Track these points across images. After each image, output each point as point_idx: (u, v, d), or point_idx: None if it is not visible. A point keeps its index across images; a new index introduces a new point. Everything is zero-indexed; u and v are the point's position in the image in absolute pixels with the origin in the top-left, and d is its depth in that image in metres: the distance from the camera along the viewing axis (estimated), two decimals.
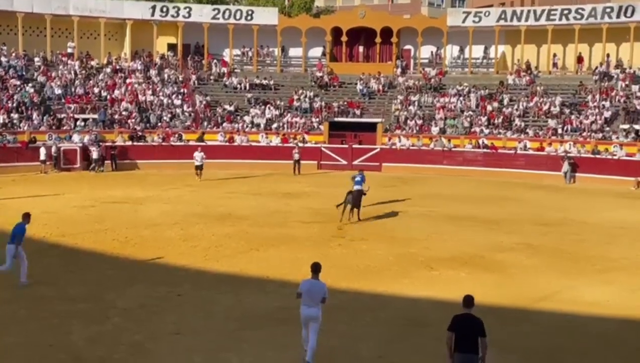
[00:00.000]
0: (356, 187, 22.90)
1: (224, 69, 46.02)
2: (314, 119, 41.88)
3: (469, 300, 9.32)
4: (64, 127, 38.09)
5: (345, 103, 42.84)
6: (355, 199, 22.66)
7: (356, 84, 45.06)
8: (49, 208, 24.04)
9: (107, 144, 37.31)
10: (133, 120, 39.90)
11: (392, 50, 47.23)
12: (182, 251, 18.39)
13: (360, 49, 48.54)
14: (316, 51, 47.83)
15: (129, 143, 38.16)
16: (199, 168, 33.23)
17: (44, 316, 12.79)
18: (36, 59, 42.40)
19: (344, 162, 38.78)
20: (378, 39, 46.60)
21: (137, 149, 38.10)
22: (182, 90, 43.33)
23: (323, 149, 39.63)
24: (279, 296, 14.29)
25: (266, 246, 19.11)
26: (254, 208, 25.45)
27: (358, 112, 42.49)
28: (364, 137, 41.11)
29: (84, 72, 42.82)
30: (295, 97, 43.54)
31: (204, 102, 42.52)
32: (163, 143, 38.55)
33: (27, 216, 14.99)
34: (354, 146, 40.06)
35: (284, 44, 47.17)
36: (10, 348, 11.21)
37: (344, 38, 46.96)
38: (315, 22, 49.51)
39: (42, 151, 35.23)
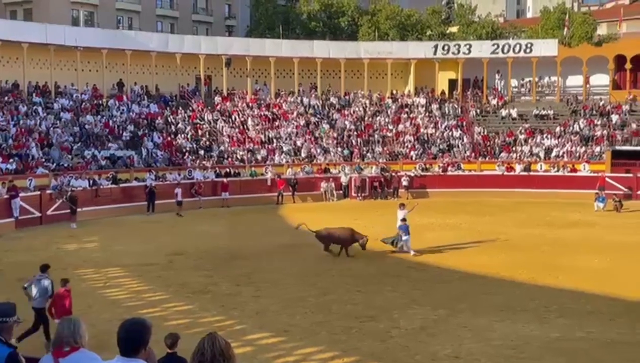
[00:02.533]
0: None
1: (502, 101, 45.46)
2: (595, 148, 39.55)
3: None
4: (355, 159, 40.22)
5: (630, 131, 39.84)
6: None
7: None
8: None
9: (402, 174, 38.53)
10: (415, 152, 40.94)
11: None
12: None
13: None
14: (596, 79, 45.26)
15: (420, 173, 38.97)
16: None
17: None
18: (332, 98, 45.49)
19: (629, 191, 35.97)
20: None
21: (425, 179, 38.85)
22: (461, 122, 43.58)
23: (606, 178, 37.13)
24: (559, 326, 13.72)
25: None
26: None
27: None
28: None
29: (371, 108, 45.01)
30: (575, 126, 41.52)
31: (482, 133, 42.34)
32: (442, 173, 38.97)
33: None
34: (639, 175, 36.98)
35: (563, 74, 45.35)
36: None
37: (627, 65, 43.86)
38: (597, 50, 46.89)
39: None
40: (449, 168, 39.21)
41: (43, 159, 32.73)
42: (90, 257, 21.69)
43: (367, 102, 45.49)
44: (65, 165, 32.97)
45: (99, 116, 38.36)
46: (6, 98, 36.42)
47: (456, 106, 45.26)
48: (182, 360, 8.10)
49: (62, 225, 28.19)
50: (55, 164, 32.72)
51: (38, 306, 12.93)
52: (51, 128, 35.55)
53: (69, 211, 28.93)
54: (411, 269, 19.53)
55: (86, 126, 36.97)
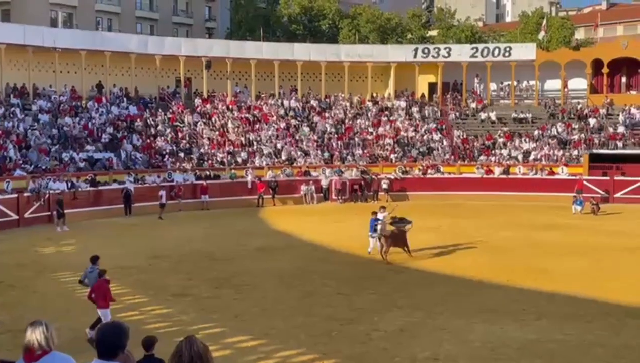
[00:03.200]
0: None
1: (481, 105, 45.77)
2: (573, 151, 39.92)
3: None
4: (336, 162, 40.26)
5: (607, 135, 40.29)
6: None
7: (618, 115, 42.21)
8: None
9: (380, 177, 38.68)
10: (395, 155, 41.08)
11: None
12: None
13: (623, 79, 45.55)
14: (574, 83, 45.72)
15: (400, 176, 39.09)
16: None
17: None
18: (313, 101, 45.49)
19: (606, 194, 36.33)
20: None
21: (405, 182, 38.98)
22: (440, 126, 43.79)
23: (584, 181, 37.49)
24: (537, 328, 13.81)
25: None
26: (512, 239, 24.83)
27: (620, 143, 39.70)
28: (627, 169, 38.20)
29: (352, 111, 45.09)
30: (553, 129, 41.90)
31: (462, 136, 42.59)
32: (422, 176, 39.11)
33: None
34: (615, 178, 37.39)
35: (541, 78, 45.75)
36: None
37: (605, 69, 44.36)
38: (575, 55, 47.39)
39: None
40: (429, 171, 39.38)
41: (21, 161, 32.40)
42: (68, 260, 21.48)
43: (348, 105, 45.56)
44: (43, 167, 32.66)
45: (78, 118, 38.04)
46: None
47: (436, 109, 45.49)
48: (160, 362, 8.07)
49: (41, 228, 27.95)
50: (33, 167, 32.40)
51: None
52: (29, 130, 35.21)
53: (50, 213, 28.81)
54: (391, 271, 19.56)
55: (64, 128, 36.65)
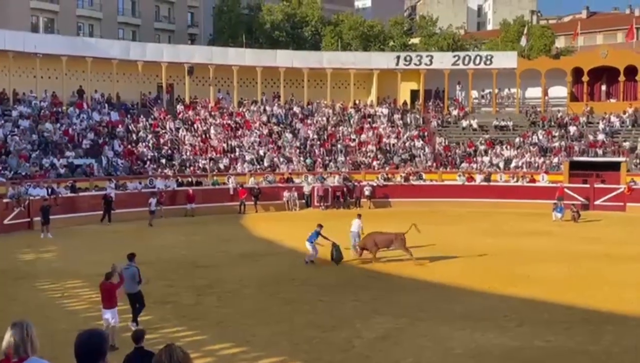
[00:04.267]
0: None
1: (463, 112, 46.02)
2: (553, 159, 40.23)
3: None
4: (318, 169, 40.24)
5: (587, 143, 40.67)
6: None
7: (598, 123, 42.64)
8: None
9: (361, 183, 38.68)
10: (377, 162, 41.17)
11: (637, 88, 44.16)
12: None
13: (603, 87, 46.07)
14: (554, 91, 46.13)
15: (382, 183, 39.14)
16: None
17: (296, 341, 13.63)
18: (295, 108, 45.50)
19: (586, 202, 36.64)
20: (622, 78, 43.91)
21: (388, 189, 39.04)
22: (422, 133, 43.97)
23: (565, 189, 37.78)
24: (518, 335, 13.87)
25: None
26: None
27: (600, 151, 40.09)
28: (607, 176, 38.57)
29: (334, 118, 45.14)
30: (534, 137, 42.23)
31: (443, 143, 42.79)
32: (404, 183, 39.22)
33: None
34: (596, 185, 37.72)
35: (522, 85, 46.11)
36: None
37: (585, 78, 44.82)
38: (556, 63, 47.82)
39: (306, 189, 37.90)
40: (411, 178, 39.49)
41: (0, 168, 32.07)
42: (48, 267, 21.28)
43: (330, 111, 45.61)
44: (23, 173, 32.36)
45: (59, 124, 37.75)
46: None
47: (418, 117, 45.67)
48: (149, 353, 8.02)
49: (20, 234, 27.68)
50: (12, 173, 32.08)
51: (129, 291, 14.48)
52: (9, 136, 34.88)
53: (30, 220, 28.67)
54: (372, 278, 19.58)
55: (45, 134, 36.35)
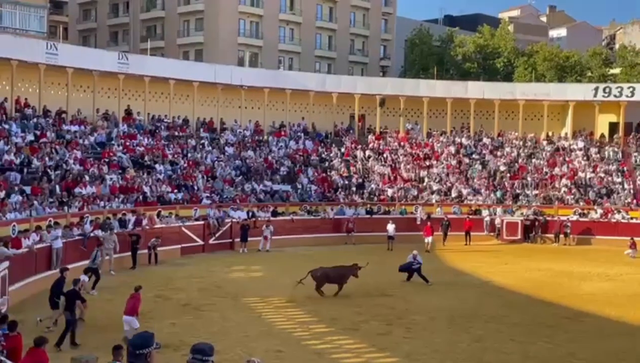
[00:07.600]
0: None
1: None
2: None
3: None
4: (507, 201, 39.01)
5: None
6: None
7: None
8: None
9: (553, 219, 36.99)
10: (572, 196, 39.11)
11: None
12: None
13: None
14: None
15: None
16: None
17: None
18: (485, 139, 44.54)
19: None
20: None
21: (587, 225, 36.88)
22: (622, 168, 41.17)
23: None
24: None
25: None
26: None
27: None
28: None
29: (526, 150, 43.59)
30: None
31: None
32: (601, 219, 36.84)
33: None
34: None
35: None
36: None
37: None
38: None
39: (486, 220, 36.90)
40: (609, 215, 37.01)
41: (208, 193, 34.33)
42: (252, 286, 22.39)
43: (521, 143, 44.11)
44: (227, 197, 34.46)
45: (259, 151, 39.90)
46: (177, 133, 38.80)
47: (617, 150, 42.85)
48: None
49: (223, 254, 29.53)
50: (219, 197, 34.26)
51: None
52: (216, 161, 37.40)
53: (231, 241, 30.81)
54: (567, 319, 18.55)
55: (247, 161, 38.55)
